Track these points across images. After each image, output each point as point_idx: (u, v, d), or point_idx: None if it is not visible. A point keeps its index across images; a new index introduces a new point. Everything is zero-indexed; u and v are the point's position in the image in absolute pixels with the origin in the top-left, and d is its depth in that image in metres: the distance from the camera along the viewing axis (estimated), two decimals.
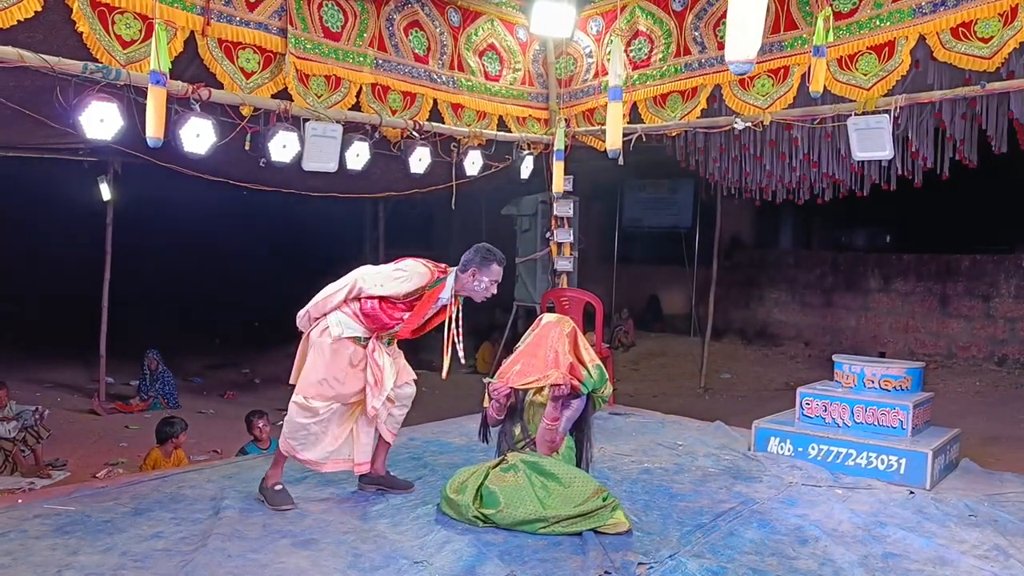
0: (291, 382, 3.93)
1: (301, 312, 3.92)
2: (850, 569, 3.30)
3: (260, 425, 6.33)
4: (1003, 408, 9.25)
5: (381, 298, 3.80)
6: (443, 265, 3.93)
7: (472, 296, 3.95)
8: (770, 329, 13.32)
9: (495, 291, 3.95)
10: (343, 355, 3.82)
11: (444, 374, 3.96)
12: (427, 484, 4.28)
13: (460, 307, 4.00)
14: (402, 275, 3.79)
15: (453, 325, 3.93)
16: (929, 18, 4.83)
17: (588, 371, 3.98)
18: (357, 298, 3.82)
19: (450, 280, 3.88)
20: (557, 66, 6.92)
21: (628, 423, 6.14)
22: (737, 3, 3.39)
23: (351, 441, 4.02)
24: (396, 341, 4.09)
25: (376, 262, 13.01)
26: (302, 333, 3.96)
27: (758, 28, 3.39)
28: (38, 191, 9.81)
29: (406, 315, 3.85)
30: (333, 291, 3.83)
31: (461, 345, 3.92)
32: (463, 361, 3.96)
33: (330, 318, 3.83)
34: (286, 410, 3.93)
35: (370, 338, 3.89)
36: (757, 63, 4.29)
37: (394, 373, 3.97)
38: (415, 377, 4.18)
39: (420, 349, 4.25)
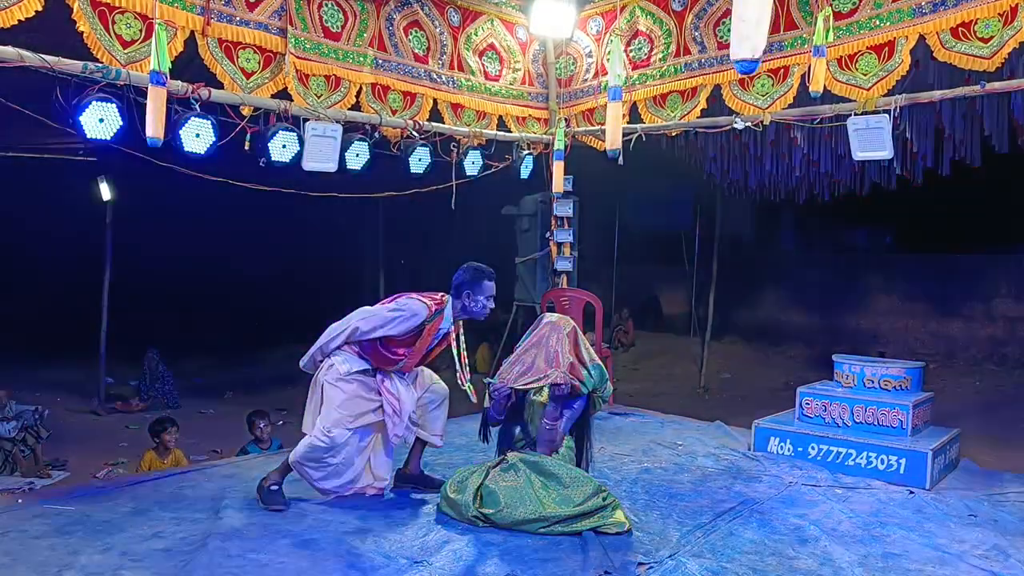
0: (304, 431, 3.94)
1: (305, 358, 3.98)
2: (850, 569, 3.30)
3: (261, 425, 6.32)
4: (1003, 408, 9.25)
5: (382, 338, 3.84)
6: (439, 295, 3.97)
7: (473, 317, 4.02)
8: (770, 329, 13.31)
9: (493, 305, 4.02)
10: (356, 386, 3.86)
11: (473, 397, 4.07)
12: None
13: (462, 332, 4.07)
14: (399, 315, 3.82)
15: (458, 350, 4.02)
16: (929, 18, 4.83)
17: (588, 371, 3.98)
18: (357, 341, 3.86)
19: (448, 310, 3.95)
20: (557, 66, 6.92)
21: (628, 423, 6.14)
22: (743, 1, 3.39)
23: (369, 469, 4.03)
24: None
25: (376, 262, 12.93)
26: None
27: (764, 26, 3.38)
28: (38, 191, 9.81)
29: (408, 350, 3.90)
30: (333, 335, 3.88)
31: (467, 370, 4.04)
32: (469, 387, 4.05)
33: (334, 357, 3.89)
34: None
35: (378, 369, 3.94)
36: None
37: (414, 393, 4.00)
38: (438, 379, 4.20)
39: None
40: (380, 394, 3.90)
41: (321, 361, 3.94)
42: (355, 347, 3.90)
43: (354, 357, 3.90)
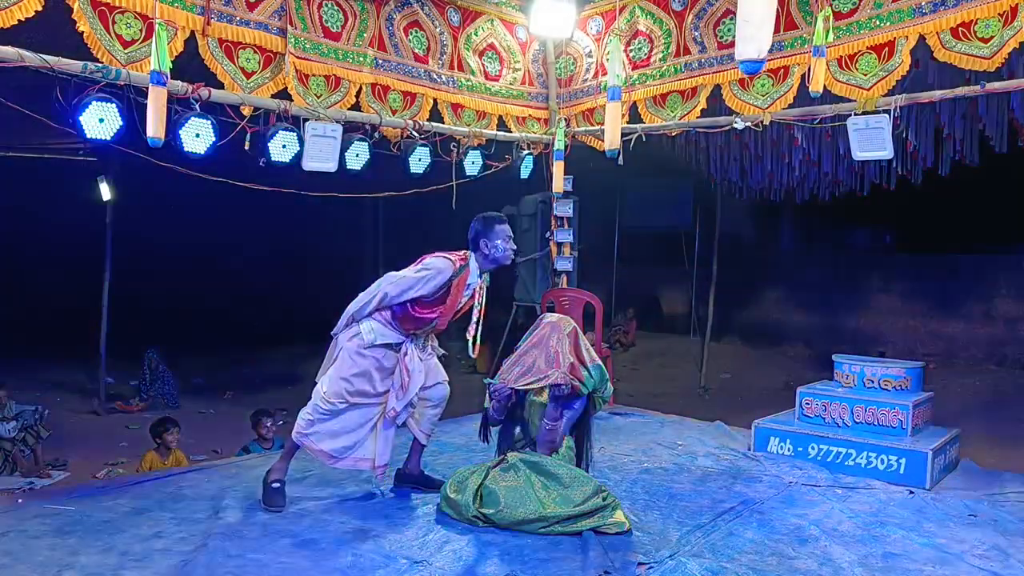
0: (317, 379, 3.96)
1: (337, 327, 3.94)
2: (850, 569, 3.30)
3: (267, 424, 6.34)
4: (1003, 408, 9.25)
5: (412, 300, 3.84)
6: (461, 252, 3.98)
7: (499, 264, 4.02)
8: (770, 329, 13.30)
9: (514, 247, 4.04)
10: (372, 361, 3.87)
11: (475, 352, 4.07)
12: None
13: (486, 287, 4.09)
14: (427, 274, 3.83)
15: (480, 304, 4.05)
16: (929, 18, 4.83)
17: (588, 371, 3.99)
18: (388, 307, 3.86)
19: (472, 264, 3.96)
20: (557, 66, 6.92)
21: (628, 423, 6.14)
22: (748, 1, 3.39)
23: (372, 440, 4.01)
24: (432, 340, 4.15)
25: (376, 262, 12.90)
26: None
27: (768, 26, 3.39)
28: (38, 191, 9.81)
29: (439, 308, 3.90)
30: (363, 302, 3.86)
31: (478, 327, 4.05)
32: (471, 343, 4.05)
33: (362, 325, 3.87)
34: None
35: (403, 342, 3.93)
36: None
37: (423, 377, 4.00)
38: (446, 378, 4.21)
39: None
40: (394, 371, 3.89)
41: (349, 325, 3.92)
42: (387, 313, 3.88)
43: (382, 326, 3.87)
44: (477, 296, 4.04)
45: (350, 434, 3.92)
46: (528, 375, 3.95)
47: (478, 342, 4.04)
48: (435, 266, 3.85)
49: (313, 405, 3.86)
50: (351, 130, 5.49)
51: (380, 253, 12.93)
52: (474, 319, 4.06)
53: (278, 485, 3.90)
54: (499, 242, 3.95)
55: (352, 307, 3.89)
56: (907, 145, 6.35)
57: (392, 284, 3.83)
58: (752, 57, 3.43)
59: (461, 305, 4.00)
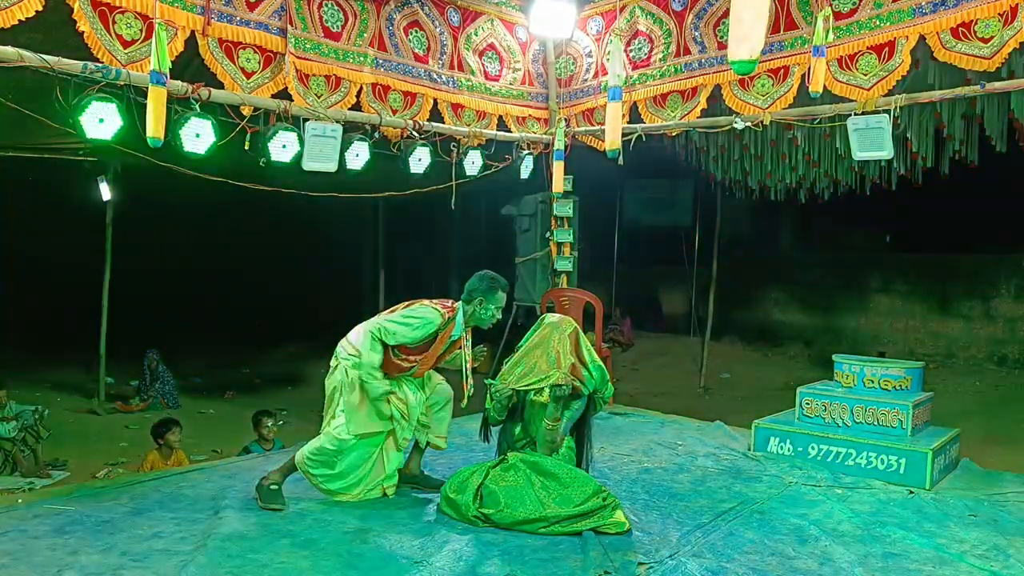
0: (322, 430, 3.98)
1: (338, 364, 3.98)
2: (850, 569, 3.30)
3: (269, 424, 6.34)
4: (1003, 408, 9.25)
5: (395, 345, 3.87)
6: (449, 302, 4.02)
7: (478, 324, 4.08)
8: (770, 329, 13.31)
9: (500, 317, 4.09)
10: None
11: (464, 402, 4.12)
12: None
13: (470, 338, 4.13)
14: (414, 323, 3.87)
15: (465, 355, 4.09)
16: (929, 18, 4.83)
17: (589, 372, 3.99)
18: None
19: (459, 317, 4.00)
20: (557, 66, 6.92)
21: (628, 423, 6.14)
22: (740, 2, 3.40)
23: (381, 469, 4.05)
24: None
25: (376, 262, 12.84)
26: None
27: (761, 27, 3.39)
28: (38, 191, 9.80)
29: (419, 357, 3.95)
30: (352, 343, 3.91)
31: (472, 377, 4.10)
32: (468, 393, 4.09)
33: (347, 363, 3.92)
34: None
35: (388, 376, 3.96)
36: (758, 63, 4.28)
37: (421, 396, 4.05)
38: (441, 378, 4.24)
39: None
40: (390, 399, 3.92)
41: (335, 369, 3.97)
42: None
43: None
44: (463, 346, 4.08)
45: (357, 471, 3.96)
46: (530, 375, 3.97)
47: (468, 394, 4.07)
48: (423, 317, 3.89)
49: (319, 446, 3.86)
50: (351, 130, 5.48)
51: (380, 253, 12.91)
52: (465, 371, 4.09)
53: (276, 487, 3.90)
54: (492, 307, 4.01)
55: (341, 346, 3.95)
56: (907, 145, 6.35)
57: (377, 329, 3.86)
58: (744, 57, 3.42)
59: (441, 354, 4.04)
